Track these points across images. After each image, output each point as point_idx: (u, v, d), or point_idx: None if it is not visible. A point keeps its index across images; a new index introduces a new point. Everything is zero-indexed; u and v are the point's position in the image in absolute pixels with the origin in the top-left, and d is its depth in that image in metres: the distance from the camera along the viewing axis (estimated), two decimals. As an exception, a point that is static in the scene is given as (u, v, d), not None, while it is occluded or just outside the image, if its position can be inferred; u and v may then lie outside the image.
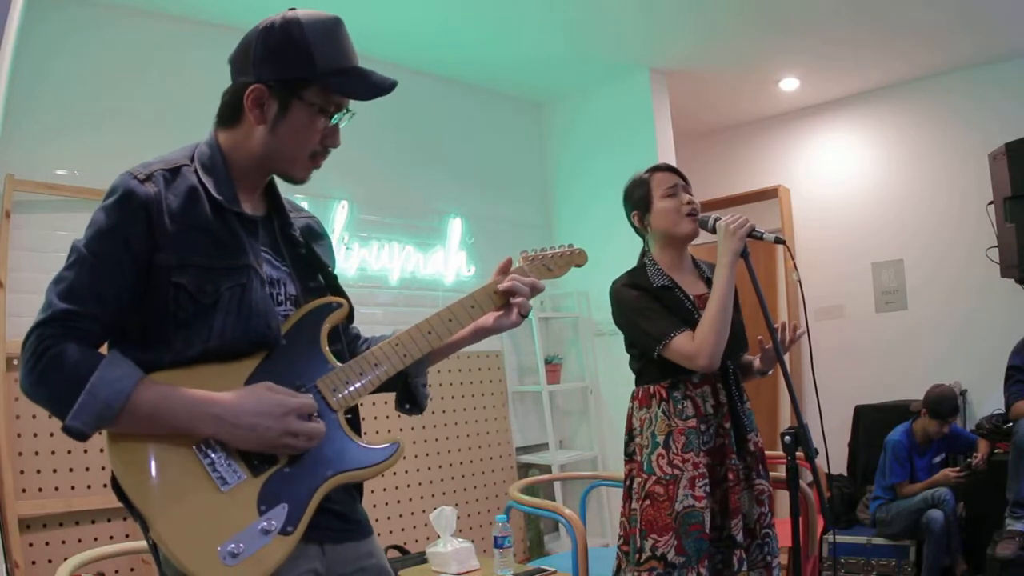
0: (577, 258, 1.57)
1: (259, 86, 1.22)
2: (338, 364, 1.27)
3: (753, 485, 2.05)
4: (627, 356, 2.20)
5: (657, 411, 2.05)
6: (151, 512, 1.09)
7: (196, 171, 1.22)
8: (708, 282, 2.20)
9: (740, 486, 2.01)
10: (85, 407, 1.07)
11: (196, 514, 1.10)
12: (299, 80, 1.21)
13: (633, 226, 2.25)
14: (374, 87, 1.25)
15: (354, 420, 1.31)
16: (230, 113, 1.26)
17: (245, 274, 1.20)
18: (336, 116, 1.27)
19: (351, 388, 1.26)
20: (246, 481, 1.14)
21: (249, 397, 1.15)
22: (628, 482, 2.12)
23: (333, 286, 1.36)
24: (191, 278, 1.16)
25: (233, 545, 1.09)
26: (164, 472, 1.11)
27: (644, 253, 2.24)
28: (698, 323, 2.01)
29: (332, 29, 1.24)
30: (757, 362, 2.21)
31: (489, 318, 1.42)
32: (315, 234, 1.42)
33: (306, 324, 1.27)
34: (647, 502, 1.99)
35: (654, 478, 2.00)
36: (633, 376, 2.19)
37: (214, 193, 1.21)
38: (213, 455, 1.13)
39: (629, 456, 2.14)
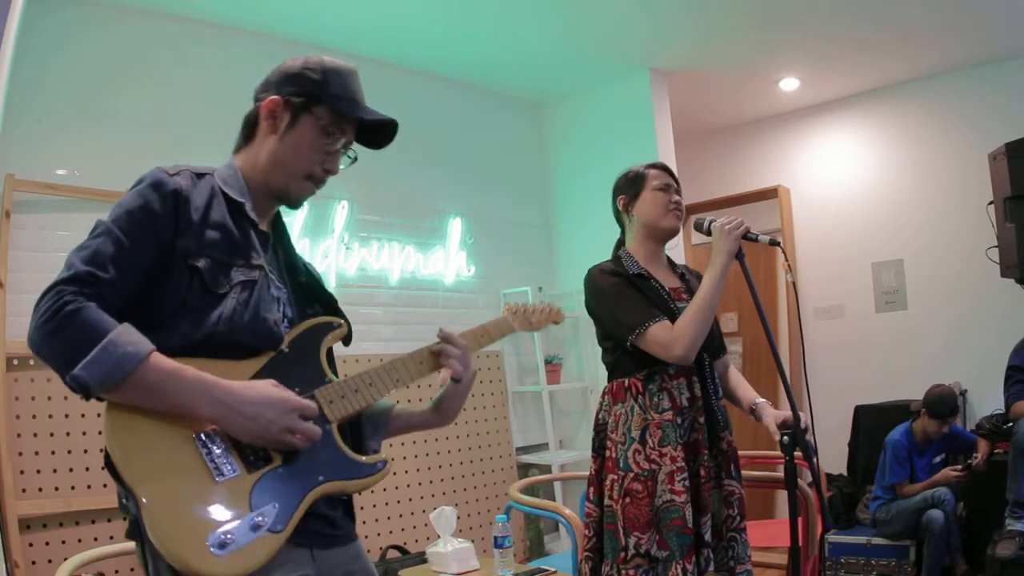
0: (555, 316, 1.72)
1: (276, 98, 1.34)
2: (335, 378, 1.32)
3: (723, 485, 2.03)
4: None
5: (633, 405, 2.02)
6: (142, 491, 1.09)
7: (216, 180, 1.31)
8: (681, 277, 2.20)
9: (710, 484, 1.99)
10: (97, 361, 1.08)
11: (188, 499, 1.10)
12: (311, 97, 1.33)
13: (615, 212, 2.25)
14: (371, 115, 1.37)
15: (351, 434, 1.35)
16: (248, 131, 1.38)
17: (256, 272, 1.27)
18: (341, 142, 1.37)
19: (346, 402, 1.30)
20: (240, 476, 1.15)
21: (255, 388, 1.18)
22: (597, 478, 2.09)
23: (335, 311, 1.42)
24: (206, 265, 1.21)
25: (223, 536, 1.09)
26: (160, 454, 1.12)
27: (619, 245, 2.24)
28: (673, 313, 2.01)
29: (347, 73, 1.38)
30: (753, 408, 2.07)
31: (436, 397, 1.50)
32: (311, 270, 1.48)
33: (307, 337, 1.32)
34: (627, 499, 1.96)
35: (632, 475, 1.97)
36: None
37: (235, 196, 1.30)
38: (211, 445, 1.15)
39: (596, 452, 2.11)
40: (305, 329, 1.32)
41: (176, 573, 1.09)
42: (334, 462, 1.25)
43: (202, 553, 1.07)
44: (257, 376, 1.23)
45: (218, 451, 1.15)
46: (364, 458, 1.29)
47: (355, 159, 1.42)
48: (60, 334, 1.10)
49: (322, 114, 1.34)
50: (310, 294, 1.41)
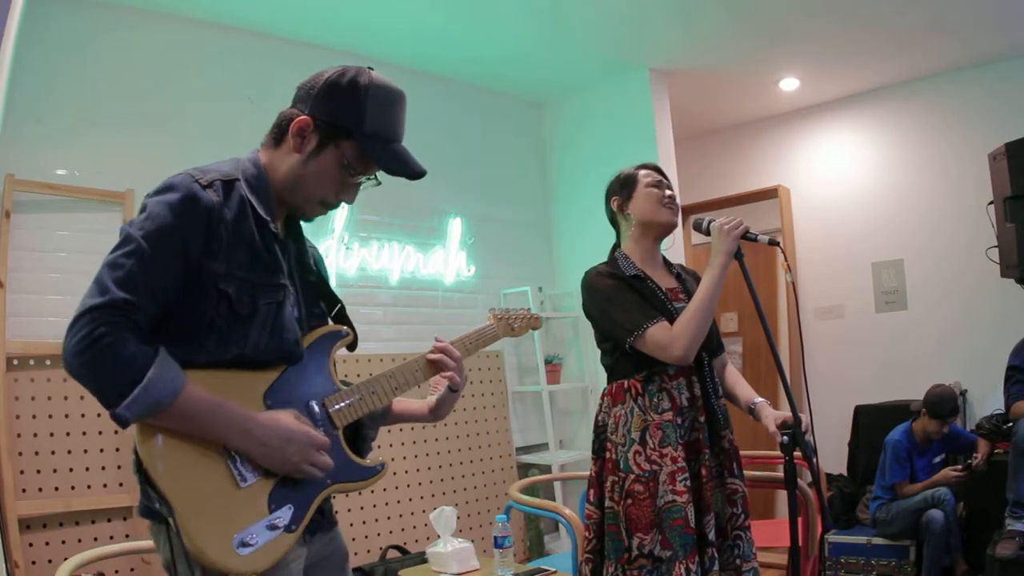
0: (534, 322, 1.82)
1: (308, 119, 1.32)
2: (342, 386, 1.40)
3: (726, 484, 2.03)
4: None
5: (632, 406, 2.02)
6: (175, 496, 1.16)
7: (243, 187, 1.30)
8: (678, 277, 2.20)
9: (712, 483, 1.99)
10: (138, 401, 1.12)
11: (215, 503, 1.20)
12: (343, 129, 1.31)
13: (609, 214, 2.24)
14: (402, 166, 1.36)
15: (353, 437, 1.44)
16: (278, 134, 1.36)
17: (281, 292, 1.31)
18: (362, 178, 1.38)
19: (352, 409, 1.39)
20: (260, 481, 1.25)
21: (280, 423, 1.26)
22: (597, 480, 2.08)
23: (341, 315, 1.48)
24: (235, 288, 1.24)
25: (249, 536, 1.20)
26: (191, 461, 1.20)
27: (615, 248, 2.24)
28: (671, 313, 2.01)
29: (393, 101, 1.36)
30: (752, 408, 2.06)
31: (432, 400, 1.61)
32: (321, 265, 1.53)
33: (318, 346, 1.39)
34: (629, 501, 1.96)
35: (632, 476, 1.96)
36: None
37: (262, 213, 1.30)
38: (236, 454, 1.24)
39: (596, 454, 2.11)
40: (317, 338, 1.39)
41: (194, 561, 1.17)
42: (340, 466, 1.34)
43: (228, 552, 1.18)
44: (273, 387, 1.30)
45: (242, 459, 1.24)
46: (366, 461, 1.39)
47: (379, 183, 1.42)
48: (99, 366, 1.12)
49: (348, 151, 1.32)
50: (317, 293, 1.46)
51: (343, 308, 1.48)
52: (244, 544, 1.19)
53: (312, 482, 1.30)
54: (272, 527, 1.23)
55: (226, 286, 1.23)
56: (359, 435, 1.46)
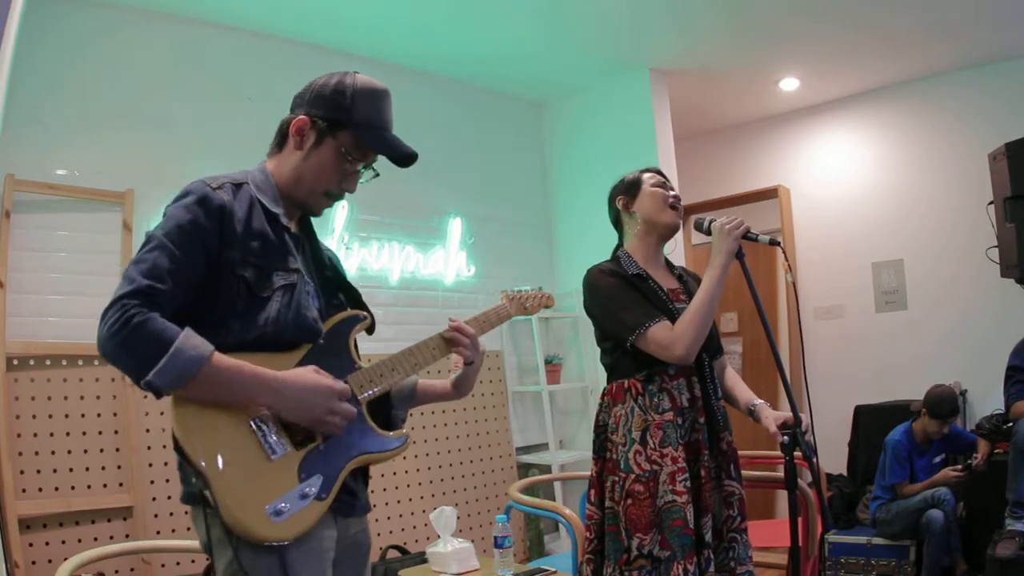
0: (547, 300, 1.96)
1: (305, 118, 1.46)
2: (363, 365, 1.49)
3: (723, 486, 2.03)
4: None
5: (633, 406, 2.01)
6: (210, 471, 1.24)
7: (251, 188, 1.43)
8: (680, 279, 2.20)
9: (711, 484, 1.99)
10: (167, 368, 1.22)
11: (248, 476, 1.27)
12: (336, 122, 1.44)
13: (613, 215, 2.25)
14: (393, 149, 1.48)
15: (381, 407, 1.53)
16: (279, 139, 1.50)
17: (295, 275, 1.42)
18: (360, 166, 1.49)
19: (374, 386, 1.48)
20: (290, 453, 1.32)
21: (301, 376, 1.35)
22: (598, 480, 2.08)
23: (359, 302, 1.58)
24: (251, 273, 1.35)
25: (281, 504, 1.27)
26: (223, 438, 1.27)
27: (617, 247, 2.24)
28: (672, 314, 2.01)
29: (378, 95, 1.49)
30: (752, 409, 2.07)
31: (453, 378, 1.70)
32: (337, 262, 1.64)
33: (339, 329, 1.49)
34: (629, 501, 1.96)
35: (633, 476, 1.96)
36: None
37: (270, 207, 1.42)
38: (265, 428, 1.31)
39: (598, 454, 2.10)
40: (337, 322, 1.48)
41: (230, 534, 1.24)
42: (365, 438, 1.43)
43: (262, 521, 1.25)
44: (300, 364, 1.39)
45: (271, 433, 1.32)
46: (390, 434, 1.48)
47: (377, 174, 1.53)
48: (130, 344, 1.22)
49: (344, 140, 1.44)
50: (334, 286, 1.56)
51: (360, 296, 1.57)
52: (277, 512, 1.26)
53: (339, 452, 1.37)
54: (303, 496, 1.30)
55: (243, 271, 1.34)
56: (390, 417, 1.55)
